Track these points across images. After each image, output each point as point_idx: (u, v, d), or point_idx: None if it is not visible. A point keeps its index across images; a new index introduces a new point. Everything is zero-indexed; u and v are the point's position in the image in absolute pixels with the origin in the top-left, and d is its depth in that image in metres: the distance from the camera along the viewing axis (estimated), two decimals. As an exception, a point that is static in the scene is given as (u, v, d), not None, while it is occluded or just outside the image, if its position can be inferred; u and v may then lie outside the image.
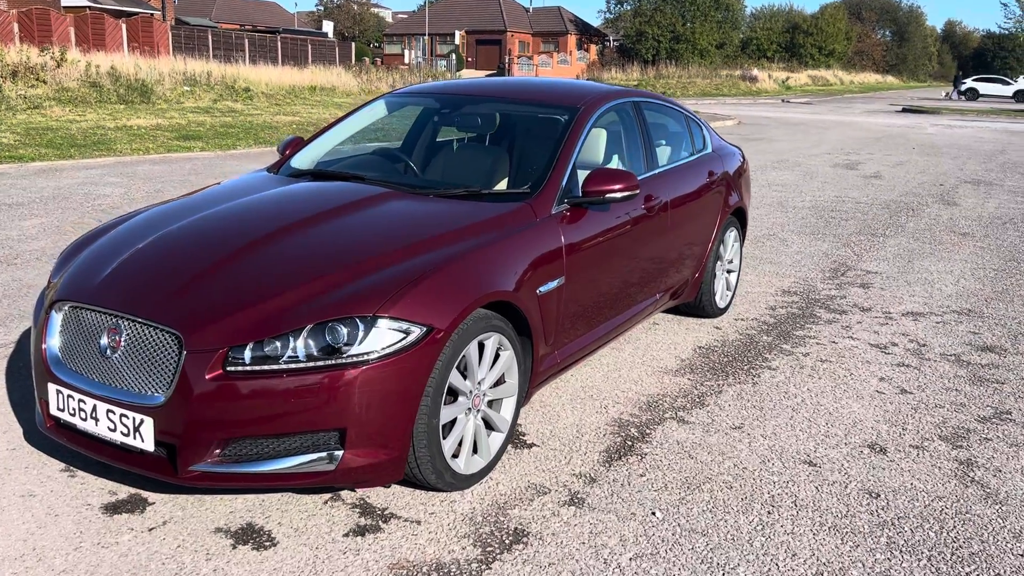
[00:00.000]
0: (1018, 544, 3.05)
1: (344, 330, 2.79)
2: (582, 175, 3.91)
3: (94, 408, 2.88)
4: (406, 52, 56.73)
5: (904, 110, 36.04)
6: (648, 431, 3.84)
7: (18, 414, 3.75)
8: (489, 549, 2.87)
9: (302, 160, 4.39)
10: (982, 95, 50.05)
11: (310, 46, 37.59)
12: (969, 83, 51.58)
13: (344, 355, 2.77)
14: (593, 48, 58.16)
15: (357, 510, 3.08)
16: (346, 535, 2.92)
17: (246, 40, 33.92)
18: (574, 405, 4.09)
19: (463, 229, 3.37)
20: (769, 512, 3.18)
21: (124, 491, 3.14)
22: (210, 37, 32.48)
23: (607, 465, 3.50)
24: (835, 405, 4.23)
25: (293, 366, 2.74)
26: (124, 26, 30.82)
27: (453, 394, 3.11)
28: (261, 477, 2.80)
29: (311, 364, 2.75)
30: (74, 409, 2.94)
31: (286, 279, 2.96)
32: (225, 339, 2.75)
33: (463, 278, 3.11)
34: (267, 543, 2.86)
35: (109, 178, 10.34)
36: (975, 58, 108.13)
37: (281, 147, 4.61)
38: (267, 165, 4.57)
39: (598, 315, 4.05)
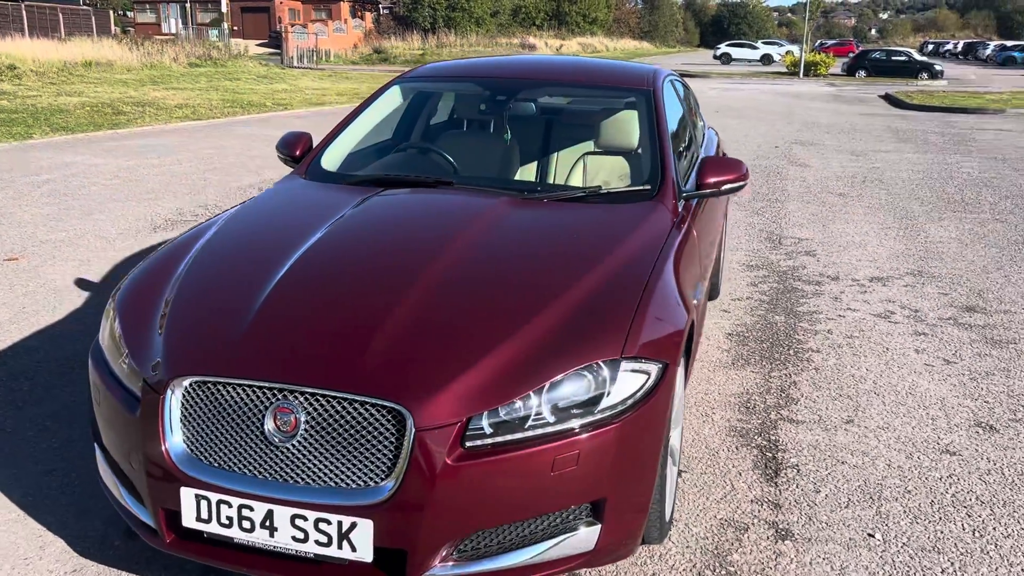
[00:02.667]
0: None
1: (590, 379, 2.28)
2: None
3: (268, 515, 2.16)
4: (165, 21, 52.01)
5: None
6: (772, 436, 3.59)
7: (42, 519, 2.83)
8: (753, 610, 2.49)
9: (339, 162, 3.67)
10: (734, 59, 54.25)
11: (61, 15, 33.40)
12: (723, 48, 55.73)
13: (596, 410, 2.26)
14: (369, 16, 56.39)
15: (570, 585, 2.58)
16: (587, 621, 2.43)
17: (-17, 9, 29.48)
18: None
19: (626, 240, 2.90)
20: (968, 515, 3.03)
21: (272, 609, 2.43)
22: (-64, 6, 27.89)
23: (773, 485, 3.21)
24: (905, 383, 4.20)
25: (541, 431, 2.20)
26: None
27: (658, 434, 2.67)
28: (507, 573, 2.24)
29: (563, 426, 2.21)
30: (230, 518, 2.19)
31: (495, 323, 2.37)
32: (463, 408, 2.15)
33: (671, 301, 2.66)
34: (509, 650, 2.30)
35: (-101, 181, 8.49)
36: (713, 24, 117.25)
37: (283, 146, 3.82)
38: (289, 172, 3.76)
39: (700, 318, 3.73)
